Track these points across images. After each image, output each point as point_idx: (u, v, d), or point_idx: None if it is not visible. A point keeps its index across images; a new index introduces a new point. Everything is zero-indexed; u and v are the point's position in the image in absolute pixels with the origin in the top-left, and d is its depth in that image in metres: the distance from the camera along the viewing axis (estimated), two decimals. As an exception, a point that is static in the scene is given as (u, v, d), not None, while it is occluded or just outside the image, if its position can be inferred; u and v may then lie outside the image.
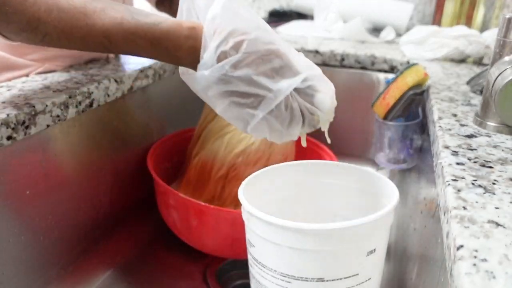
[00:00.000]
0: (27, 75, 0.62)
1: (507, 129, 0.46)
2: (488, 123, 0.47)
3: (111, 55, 0.75)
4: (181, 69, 0.43)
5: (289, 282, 0.41)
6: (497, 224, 0.29)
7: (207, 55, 0.39)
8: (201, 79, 0.40)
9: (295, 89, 0.41)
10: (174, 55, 0.41)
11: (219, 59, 0.39)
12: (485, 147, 0.42)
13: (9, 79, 0.60)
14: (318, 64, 0.89)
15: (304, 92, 0.42)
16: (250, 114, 0.41)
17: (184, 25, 0.41)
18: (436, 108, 0.53)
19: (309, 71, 0.42)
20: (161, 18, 0.41)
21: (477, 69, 0.77)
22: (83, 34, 0.41)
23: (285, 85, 0.40)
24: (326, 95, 0.43)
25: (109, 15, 0.41)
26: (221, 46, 0.38)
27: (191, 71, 0.42)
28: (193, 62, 0.40)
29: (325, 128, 0.46)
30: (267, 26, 0.41)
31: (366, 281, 0.43)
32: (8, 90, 0.54)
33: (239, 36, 0.38)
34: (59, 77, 0.61)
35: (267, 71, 0.40)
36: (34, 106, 0.49)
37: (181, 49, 0.41)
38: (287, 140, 0.45)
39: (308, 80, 0.41)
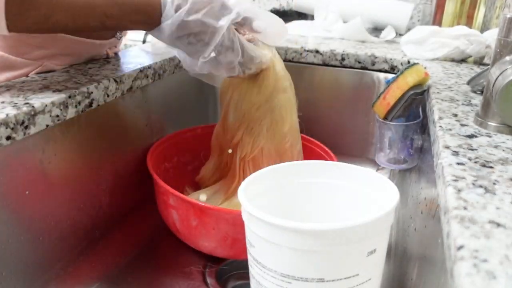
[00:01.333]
0: (26, 75, 0.61)
1: (507, 129, 0.46)
2: (489, 123, 0.47)
3: (111, 54, 0.75)
4: (152, 32, 0.55)
5: (289, 283, 0.41)
6: (498, 225, 0.29)
7: (167, 8, 0.52)
8: (165, 28, 0.53)
9: (237, 25, 0.56)
10: (148, 17, 0.53)
11: (176, 11, 0.52)
12: (486, 147, 0.42)
13: (9, 79, 0.60)
14: (318, 64, 0.89)
15: (243, 24, 0.56)
16: (203, 49, 0.54)
17: None
18: (437, 108, 0.53)
19: (239, 6, 0.54)
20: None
21: (477, 69, 0.77)
22: (87, 15, 0.51)
23: (224, 21, 0.53)
24: (262, 21, 0.56)
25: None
26: (175, 1, 0.52)
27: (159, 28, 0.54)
28: (159, 20, 0.53)
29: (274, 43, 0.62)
30: None
31: (366, 281, 0.42)
32: (8, 90, 0.54)
33: None
34: (58, 77, 0.61)
35: (211, 14, 0.52)
36: (33, 106, 0.49)
37: (151, 9, 0.53)
38: (231, 74, 0.59)
39: (242, 14, 0.54)
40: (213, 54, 0.55)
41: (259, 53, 0.60)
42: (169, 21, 0.52)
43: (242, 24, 0.56)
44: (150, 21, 0.54)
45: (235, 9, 0.54)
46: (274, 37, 0.60)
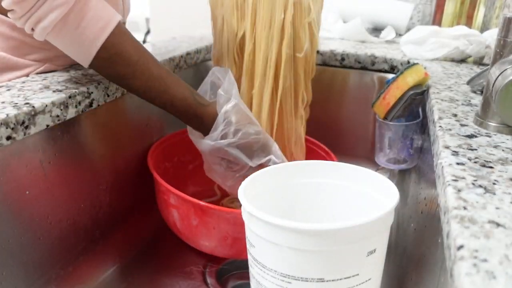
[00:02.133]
0: (27, 75, 0.62)
1: (507, 129, 0.46)
2: (489, 123, 0.47)
3: None
4: (189, 129, 0.63)
5: (289, 283, 0.41)
6: (498, 224, 0.29)
7: (216, 133, 0.59)
8: (205, 144, 0.60)
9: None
10: (201, 124, 0.60)
11: (221, 137, 0.59)
12: (486, 147, 0.42)
13: (11, 80, 0.60)
14: (318, 64, 0.89)
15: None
16: (228, 173, 0.63)
17: (214, 111, 0.60)
18: (437, 108, 0.53)
19: (275, 153, 0.62)
20: (209, 101, 0.61)
21: (477, 69, 0.77)
22: (157, 94, 0.57)
23: (257, 161, 0.61)
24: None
25: (180, 90, 0.58)
26: (225, 130, 0.59)
27: (197, 134, 0.62)
28: (207, 130, 0.60)
29: None
30: (256, 122, 0.61)
31: (366, 281, 0.43)
32: (8, 90, 0.54)
33: (238, 126, 0.59)
34: (59, 77, 0.61)
35: (249, 153, 0.61)
36: (33, 106, 0.49)
37: (205, 123, 0.60)
38: None
39: (273, 161, 0.61)
40: (231, 180, 0.63)
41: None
42: (211, 142, 0.59)
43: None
44: (201, 128, 0.61)
45: (271, 155, 0.61)
46: None
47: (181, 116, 0.60)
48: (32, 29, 0.49)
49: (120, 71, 0.54)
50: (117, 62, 0.53)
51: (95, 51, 0.51)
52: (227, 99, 0.59)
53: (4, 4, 0.47)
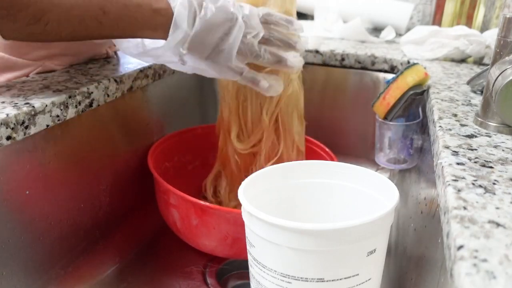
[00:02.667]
0: (27, 75, 0.62)
1: (507, 129, 0.46)
2: (489, 123, 0.47)
3: (111, 53, 0.74)
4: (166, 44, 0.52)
5: (289, 283, 0.41)
6: (498, 224, 0.29)
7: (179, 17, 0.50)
8: (175, 40, 0.51)
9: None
10: (154, 18, 0.50)
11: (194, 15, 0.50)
12: (486, 147, 0.42)
13: (9, 80, 0.60)
14: (318, 64, 0.89)
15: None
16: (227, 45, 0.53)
17: None
18: (437, 108, 0.53)
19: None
20: None
21: (477, 69, 0.77)
22: (81, 11, 0.48)
23: (243, 10, 0.53)
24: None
25: None
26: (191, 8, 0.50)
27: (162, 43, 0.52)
28: (166, 25, 0.50)
29: None
30: None
31: (366, 281, 0.43)
32: (8, 90, 0.54)
33: None
34: (59, 77, 0.61)
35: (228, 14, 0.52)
36: (33, 106, 0.49)
37: (161, 9, 0.50)
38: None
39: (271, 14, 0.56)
40: (236, 45, 0.53)
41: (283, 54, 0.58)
42: (182, 33, 0.50)
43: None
44: (156, 23, 0.51)
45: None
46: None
47: (125, 22, 0.50)
48: None
49: (27, 17, 0.46)
50: (18, 8, 0.46)
51: None
52: None
53: None
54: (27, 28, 0.48)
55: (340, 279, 0.41)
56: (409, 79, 0.63)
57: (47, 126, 0.52)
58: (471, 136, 0.45)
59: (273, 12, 0.57)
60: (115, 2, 0.49)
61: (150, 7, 0.50)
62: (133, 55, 0.58)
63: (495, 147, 0.42)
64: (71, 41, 0.56)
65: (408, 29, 1.10)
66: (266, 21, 0.56)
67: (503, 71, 0.44)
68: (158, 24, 0.51)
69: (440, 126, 0.47)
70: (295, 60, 0.59)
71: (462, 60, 0.83)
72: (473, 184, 0.34)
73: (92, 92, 0.58)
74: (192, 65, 0.56)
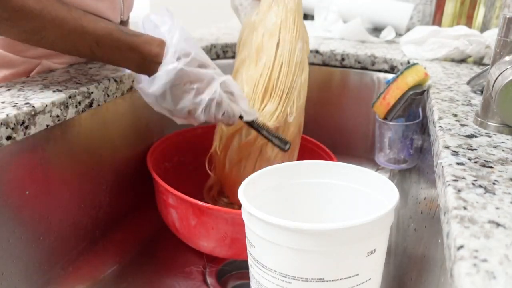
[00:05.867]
0: (24, 73, 0.61)
1: (507, 129, 0.46)
2: (489, 123, 0.47)
3: None
4: (137, 79, 0.57)
5: (289, 283, 0.41)
6: (498, 224, 0.29)
7: (169, 55, 0.53)
8: (162, 76, 0.53)
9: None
10: (144, 60, 0.54)
11: (177, 59, 0.53)
12: (486, 147, 0.42)
13: (7, 76, 0.60)
14: (318, 64, 0.89)
15: (230, 95, 0.59)
16: (196, 99, 0.55)
17: (156, 39, 0.55)
18: (437, 108, 0.53)
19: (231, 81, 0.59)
20: (139, 32, 0.55)
21: (477, 69, 0.77)
22: (76, 37, 0.52)
23: (220, 78, 0.57)
24: (245, 101, 0.61)
25: (101, 25, 0.52)
26: (177, 52, 0.53)
27: (146, 78, 0.55)
28: (153, 67, 0.54)
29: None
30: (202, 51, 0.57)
31: (366, 281, 0.43)
32: (8, 90, 0.54)
33: (188, 50, 0.54)
34: (58, 77, 0.61)
35: (210, 70, 0.56)
36: (33, 106, 0.49)
37: (151, 55, 0.54)
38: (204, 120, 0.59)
39: (230, 86, 0.58)
40: (204, 102, 0.56)
41: (238, 111, 0.60)
42: (170, 67, 0.52)
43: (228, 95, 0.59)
44: (144, 63, 0.54)
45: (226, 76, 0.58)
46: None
47: (115, 56, 0.54)
48: None
49: (26, 27, 0.49)
50: (20, 18, 0.48)
51: None
52: (170, 26, 0.55)
53: None
54: (23, 34, 0.51)
55: (340, 279, 0.41)
56: (409, 79, 0.63)
57: (47, 126, 0.52)
58: (471, 136, 0.45)
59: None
60: (109, 40, 0.53)
61: (140, 54, 0.54)
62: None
63: (495, 147, 0.42)
64: (62, 53, 0.59)
65: (408, 29, 1.10)
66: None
67: (503, 71, 0.44)
68: (145, 68, 0.55)
69: (440, 126, 0.47)
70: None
71: (462, 60, 0.83)
72: (473, 184, 0.34)
73: (92, 92, 0.58)
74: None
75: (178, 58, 0.53)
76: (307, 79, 0.69)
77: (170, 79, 0.53)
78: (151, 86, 0.54)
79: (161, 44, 0.54)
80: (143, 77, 0.56)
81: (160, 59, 0.53)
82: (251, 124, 0.62)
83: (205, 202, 0.73)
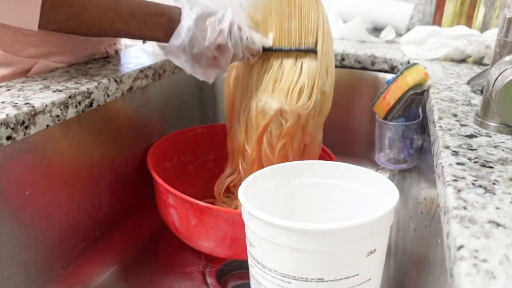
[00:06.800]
0: (22, 72, 0.61)
1: (507, 129, 0.46)
2: (489, 123, 0.47)
3: (110, 52, 0.74)
4: (162, 47, 0.61)
5: (289, 283, 0.41)
6: (498, 224, 0.29)
7: (186, 9, 0.58)
8: (186, 21, 0.58)
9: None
10: (171, 22, 0.58)
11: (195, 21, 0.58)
12: (486, 147, 0.42)
13: (4, 76, 0.60)
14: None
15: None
16: (219, 28, 0.59)
17: (172, 6, 0.60)
18: (437, 108, 0.53)
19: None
20: (162, 4, 0.59)
21: (477, 69, 0.77)
22: (113, 14, 0.56)
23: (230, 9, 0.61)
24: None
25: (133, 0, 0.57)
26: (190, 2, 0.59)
27: (171, 39, 0.59)
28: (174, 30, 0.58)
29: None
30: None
31: (366, 281, 0.43)
32: (8, 90, 0.54)
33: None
34: (59, 77, 0.61)
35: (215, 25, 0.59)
36: (33, 106, 0.49)
37: (175, 15, 0.59)
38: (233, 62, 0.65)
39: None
40: (227, 29, 0.59)
41: (259, 37, 0.64)
42: (190, 14, 0.58)
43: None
44: (170, 26, 0.58)
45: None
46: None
47: (147, 25, 0.59)
48: None
49: (69, 13, 0.53)
50: (62, 5, 0.52)
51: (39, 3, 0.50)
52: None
53: None
54: (65, 21, 0.54)
55: (340, 279, 0.41)
56: (409, 79, 0.63)
57: (47, 126, 0.52)
58: (471, 136, 0.45)
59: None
60: (141, 9, 0.57)
61: (166, 18, 0.58)
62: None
63: (495, 147, 0.42)
64: (95, 37, 0.64)
65: (408, 29, 1.10)
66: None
67: (503, 71, 0.44)
68: (171, 29, 0.59)
69: (440, 126, 0.47)
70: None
71: (462, 60, 0.83)
72: (473, 184, 0.34)
73: (92, 92, 0.58)
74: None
75: (192, 8, 0.58)
76: None
77: (194, 20, 0.57)
78: (178, 38, 0.58)
79: (178, 8, 0.59)
80: (166, 44, 0.59)
81: (179, 19, 0.58)
82: (272, 49, 0.64)
83: (215, 196, 0.73)
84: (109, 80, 0.62)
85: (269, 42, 0.64)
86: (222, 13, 0.60)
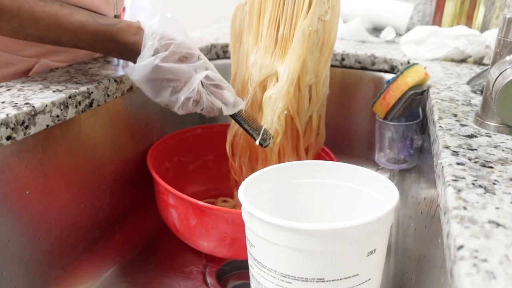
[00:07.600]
0: (22, 72, 0.61)
1: (507, 129, 0.46)
2: (489, 123, 0.47)
3: None
4: (123, 64, 0.58)
5: (289, 283, 0.41)
6: (498, 224, 0.29)
7: (145, 50, 0.52)
8: (140, 69, 0.53)
9: (206, 86, 0.56)
10: (124, 49, 0.55)
11: (153, 55, 0.52)
12: (486, 147, 0.42)
13: (5, 76, 0.60)
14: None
15: (212, 88, 0.57)
16: (173, 97, 0.55)
17: (133, 25, 0.55)
18: (437, 108, 0.53)
19: (215, 72, 0.57)
20: (116, 20, 0.55)
21: (477, 69, 0.77)
22: (57, 33, 0.53)
23: (199, 75, 0.55)
24: (230, 92, 0.58)
25: (76, 18, 0.53)
26: (155, 45, 0.52)
27: (131, 64, 0.55)
28: (135, 55, 0.54)
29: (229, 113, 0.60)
30: (189, 36, 0.55)
31: (366, 281, 0.43)
32: (8, 90, 0.54)
33: (168, 40, 0.52)
34: (58, 77, 0.61)
35: (188, 65, 0.54)
36: (33, 106, 0.49)
37: (129, 44, 0.54)
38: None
39: (213, 79, 0.56)
40: (180, 101, 0.55)
41: (218, 105, 0.58)
42: (145, 62, 0.52)
43: (211, 87, 0.57)
44: (125, 52, 0.55)
45: (209, 71, 0.56)
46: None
47: (97, 48, 0.56)
48: None
49: (8, 27, 0.51)
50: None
51: None
52: (150, 12, 0.54)
53: None
54: (9, 32, 0.53)
55: (340, 279, 0.41)
56: (409, 79, 0.63)
57: (47, 126, 0.52)
58: (471, 136, 0.45)
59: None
60: (86, 33, 0.54)
61: (118, 44, 0.54)
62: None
63: (495, 147, 0.42)
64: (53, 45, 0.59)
65: (408, 29, 1.10)
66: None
67: (503, 71, 0.44)
68: (127, 56, 0.56)
69: (440, 126, 0.47)
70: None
71: (462, 60, 0.83)
72: (473, 184, 0.34)
73: (92, 92, 0.58)
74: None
75: (156, 51, 0.52)
76: None
77: (147, 73, 0.52)
78: (133, 74, 0.54)
79: (138, 31, 0.54)
80: (130, 62, 0.57)
81: (139, 48, 0.53)
82: (232, 116, 0.60)
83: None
84: (109, 80, 0.62)
85: (236, 107, 0.59)
86: (184, 81, 0.54)
